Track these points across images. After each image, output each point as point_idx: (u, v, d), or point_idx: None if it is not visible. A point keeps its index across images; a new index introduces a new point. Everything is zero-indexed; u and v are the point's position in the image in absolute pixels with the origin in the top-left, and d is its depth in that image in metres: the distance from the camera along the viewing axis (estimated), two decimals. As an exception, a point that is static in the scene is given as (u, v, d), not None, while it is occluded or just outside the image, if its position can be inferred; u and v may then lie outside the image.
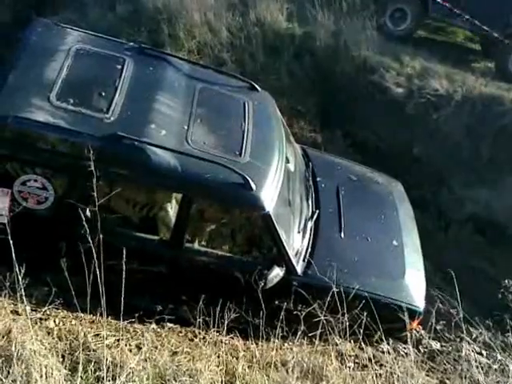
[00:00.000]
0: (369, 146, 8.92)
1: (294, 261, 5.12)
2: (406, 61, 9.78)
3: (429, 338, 5.56)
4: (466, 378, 4.52)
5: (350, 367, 4.85)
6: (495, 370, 5.10)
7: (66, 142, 4.47)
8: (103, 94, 4.81)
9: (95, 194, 4.00)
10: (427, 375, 5.13)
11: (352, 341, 4.97)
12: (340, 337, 4.69)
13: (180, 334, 4.81)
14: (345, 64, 9.22)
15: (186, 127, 4.93)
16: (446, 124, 8.90)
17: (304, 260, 5.25)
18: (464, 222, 8.06)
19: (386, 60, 9.62)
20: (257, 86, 5.74)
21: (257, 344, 4.75)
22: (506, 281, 5.01)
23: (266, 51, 8.75)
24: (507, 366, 4.85)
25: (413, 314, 5.34)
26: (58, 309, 4.35)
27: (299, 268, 5.16)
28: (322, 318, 4.51)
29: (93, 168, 3.96)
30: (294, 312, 4.71)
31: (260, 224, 5.02)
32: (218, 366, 3.98)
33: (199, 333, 4.63)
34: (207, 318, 4.45)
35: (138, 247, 4.78)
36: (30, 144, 4.45)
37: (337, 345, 4.85)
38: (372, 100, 9.13)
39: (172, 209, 5.02)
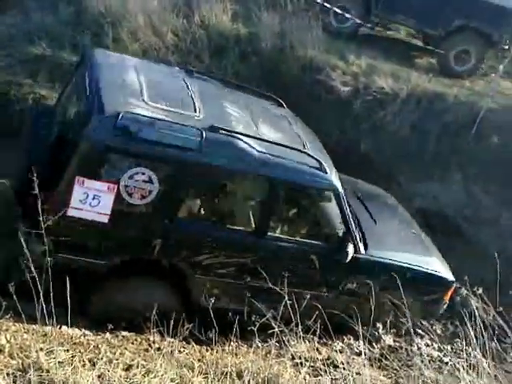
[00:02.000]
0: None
1: (358, 240, 5.65)
2: (352, 59, 9.88)
3: (383, 333, 5.63)
4: (417, 378, 4.52)
5: (305, 373, 4.79)
6: (446, 363, 5.16)
7: (172, 133, 4.80)
8: (184, 99, 5.33)
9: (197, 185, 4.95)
10: (381, 374, 5.14)
11: (307, 341, 4.94)
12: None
13: (135, 343, 4.71)
14: (291, 64, 9.23)
15: (254, 127, 5.47)
16: (392, 121, 9.01)
17: (361, 240, 5.73)
18: (413, 215, 8.19)
19: (332, 59, 9.68)
20: (283, 103, 6.37)
21: (212, 350, 4.71)
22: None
23: (212, 52, 8.69)
24: (457, 357, 4.89)
25: (449, 284, 6.16)
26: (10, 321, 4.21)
27: (362, 247, 5.69)
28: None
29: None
30: None
31: (333, 203, 5.50)
32: (172, 381, 3.89)
33: (153, 342, 4.54)
34: (161, 328, 4.39)
35: (226, 239, 5.24)
36: (139, 137, 4.67)
37: (291, 346, 4.83)
38: (319, 99, 9.16)
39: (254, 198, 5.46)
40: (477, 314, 4.73)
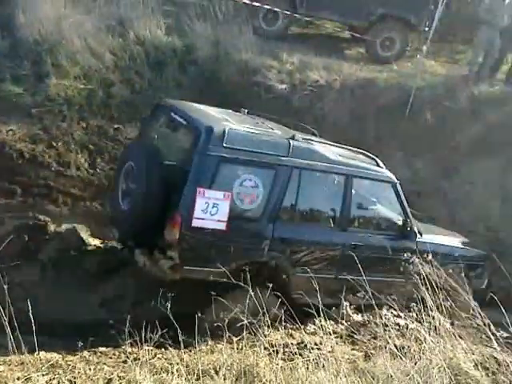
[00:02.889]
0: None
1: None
2: (285, 58, 9.90)
3: (352, 312, 5.64)
4: (384, 347, 4.54)
5: (280, 359, 4.75)
6: (412, 329, 5.17)
7: (268, 143, 5.36)
8: (257, 123, 5.93)
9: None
10: (353, 349, 5.17)
11: (281, 329, 4.95)
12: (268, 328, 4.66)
13: (113, 357, 4.58)
14: (228, 69, 9.18)
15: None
16: (330, 111, 9.06)
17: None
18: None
19: (267, 60, 9.68)
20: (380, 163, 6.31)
21: (190, 351, 4.62)
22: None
23: (151, 67, 8.56)
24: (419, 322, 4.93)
25: (486, 258, 6.92)
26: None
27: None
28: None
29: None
30: None
31: (393, 194, 6.11)
32: (152, 387, 3.80)
33: (130, 353, 4.42)
34: (136, 338, 4.28)
35: (316, 235, 5.71)
36: (244, 148, 5.16)
37: (266, 336, 4.79)
38: (259, 99, 9.13)
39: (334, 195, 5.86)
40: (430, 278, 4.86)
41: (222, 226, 5.04)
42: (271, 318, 4.67)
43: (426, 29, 10.79)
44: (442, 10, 10.21)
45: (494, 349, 4.86)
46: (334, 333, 5.01)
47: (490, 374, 4.69)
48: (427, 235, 6.42)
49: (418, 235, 6.25)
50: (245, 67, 9.45)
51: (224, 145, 5.05)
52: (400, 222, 6.19)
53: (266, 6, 10.55)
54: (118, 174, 5.79)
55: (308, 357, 4.60)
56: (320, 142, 5.88)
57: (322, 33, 11.88)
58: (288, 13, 10.77)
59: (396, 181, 6.12)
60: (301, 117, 9.04)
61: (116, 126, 7.71)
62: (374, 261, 5.82)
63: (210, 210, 4.97)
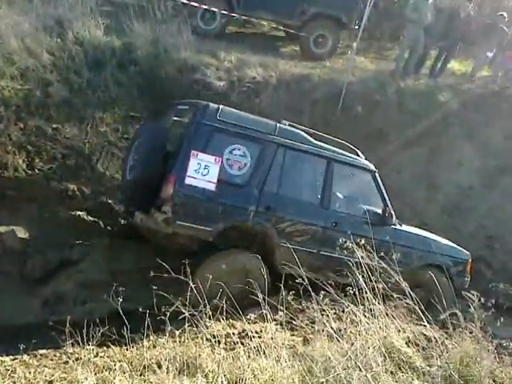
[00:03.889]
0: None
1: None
2: (223, 56, 9.72)
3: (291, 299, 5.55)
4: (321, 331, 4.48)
5: (222, 349, 4.62)
6: (348, 312, 5.12)
7: (258, 122, 5.96)
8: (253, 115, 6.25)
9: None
10: (292, 335, 5.10)
11: (222, 320, 4.76)
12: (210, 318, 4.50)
13: (54, 359, 4.33)
14: (168, 68, 8.92)
15: None
16: (268, 105, 8.96)
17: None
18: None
19: (205, 58, 9.48)
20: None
21: (132, 348, 4.42)
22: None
23: (90, 66, 8.17)
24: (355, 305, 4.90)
25: (467, 257, 6.99)
26: None
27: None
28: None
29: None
30: None
31: (372, 183, 6.37)
32: (94, 387, 3.59)
33: (71, 354, 4.19)
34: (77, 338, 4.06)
35: (300, 209, 5.95)
36: (235, 123, 5.68)
37: (207, 327, 4.64)
38: (198, 96, 8.90)
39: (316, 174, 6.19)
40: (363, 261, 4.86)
41: (212, 187, 5.46)
42: (212, 309, 4.54)
43: (356, 27, 10.84)
44: (370, 9, 10.26)
45: (424, 326, 4.91)
46: (274, 320, 4.90)
47: (420, 350, 4.72)
48: (407, 227, 6.67)
49: (398, 225, 6.49)
50: (184, 65, 9.21)
51: (218, 118, 5.61)
52: (379, 210, 6.34)
53: (203, 6, 10.34)
54: (129, 151, 6.25)
55: (249, 345, 4.52)
56: (305, 131, 6.20)
57: (259, 32, 11.74)
58: (225, 12, 10.60)
59: (375, 170, 6.39)
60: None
61: (55, 126, 7.30)
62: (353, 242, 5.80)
63: (202, 171, 5.43)
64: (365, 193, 6.46)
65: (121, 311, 4.09)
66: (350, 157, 6.33)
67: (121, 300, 4.12)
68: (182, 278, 4.36)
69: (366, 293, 4.71)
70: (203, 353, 4.23)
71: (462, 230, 8.68)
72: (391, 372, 4.27)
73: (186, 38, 9.51)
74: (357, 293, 4.75)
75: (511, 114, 9.87)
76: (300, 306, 5.60)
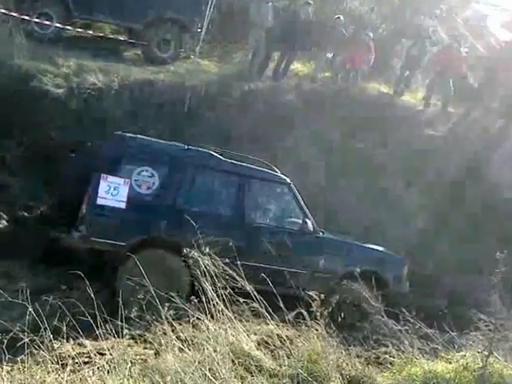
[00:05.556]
0: (49, 146, 8.18)
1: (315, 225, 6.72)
2: (61, 62, 9.26)
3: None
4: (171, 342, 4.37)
5: (69, 371, 4.33)
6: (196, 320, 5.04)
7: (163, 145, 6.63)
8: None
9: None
10: (145, 348, 4.95)
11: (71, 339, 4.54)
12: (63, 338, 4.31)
13: None
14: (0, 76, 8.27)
15: None
16: (110, 113, 8.66)
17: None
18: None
19: (41, 64, 8.93)
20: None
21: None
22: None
23: None
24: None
25: (403, 261, 7.25)
26: None
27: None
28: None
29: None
30: None
31: (288, 195, 6.70)
32: None
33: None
34: None
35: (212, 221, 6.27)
36: (142, 148, 6.35)
37: (54, 350, 4.34)
38: (36, 104, 8.38)
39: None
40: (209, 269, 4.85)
41: (123, 205, 6.03)
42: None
43: (199, 30, 10.83)
44: (212, 12, 10.30)
45: (277, 326, 5.01)
46: (128, 334, 4.69)
47: (270, 352, 4.77)
48: (330, 234, 6.91)
49: (320, 233, 6.73)
50: (18, 73, 8.60)
51: (125, 144, 6.32)
52: (298, 220, 6.59)
53: (36, 20, 9.70)
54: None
55: (99, 364, 4.29)
56: (215, 151, 6.63)
57: (100, 35, 11.27)
58: (62, 16, 10.07)
59: (290, 182, 6.70)
60: (80, 120, 8.55)
61: None
62: (270, 252, 6.13)
63: (112, 191, 6.01)
64: (282, 204, 6.81)
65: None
66: (263, 171, 6.68)
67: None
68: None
69: (213, 300, 4.69)
70: (48, 378, 3.98)
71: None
72: (241, 376, 4.27)
73: (19, 43, 8.90)
74: (204, 300, 4.74)
75: (349, 112, 10.39)
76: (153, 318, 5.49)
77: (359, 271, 6.24)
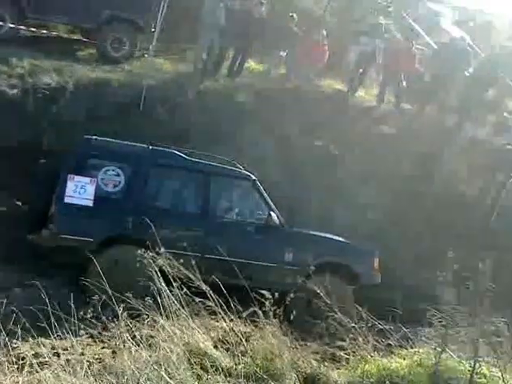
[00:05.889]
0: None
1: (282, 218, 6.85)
2: (15, 62, 9.15)
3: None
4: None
5: (26, 372, 4.31)
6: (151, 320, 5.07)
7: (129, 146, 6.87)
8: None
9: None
10: (103, 347, 4.95)
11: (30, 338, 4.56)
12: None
13: None
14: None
15: None
16: (66, 113, 8.61)
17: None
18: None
19: (-5, 65, 8.81)
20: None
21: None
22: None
23: None
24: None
25: (373, 253, 7.13)
26: None
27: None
28: None
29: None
30: None
31: (253, 190, 6.84)
32: None
33: None
34: None
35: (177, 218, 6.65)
36: (108, 149, 6.69)
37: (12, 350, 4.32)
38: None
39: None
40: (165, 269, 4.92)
41: (90, 203, 6.32)
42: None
43: (153, 29, 10.78)
44: (165, 11, 10.27)
45: (235, 322, 5.02)
46: (86, 333, 4.73)
47: (227, 349, 4.79)
48: (297, 228, 7.01)
49: (286, 226, 6.85)
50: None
51: (90, 146, 6.59)
52: (262, 214, 6.73)
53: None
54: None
55: (56, 364, 4.28)
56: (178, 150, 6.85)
57: (54, 35, 11.11)
58: (14, 16, 9.91)
59: (254, 178, 6.85)
60: (37, 122, 8.47)
61: None
62: (236, 245, 6.46)
63: (79, 190, 6.28)
64: (247, 200, 7.02)
65: None
66: (227, 169, 6.86)
67: None
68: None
69: (169, 299, 4.74)
70: (5, 380, 3.97)
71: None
72: (197, 376, 4.29)
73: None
74: (159, 300, 4.76)
75: (304, 109, 10.51)
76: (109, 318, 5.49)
77: (327, 263, 6.46)
